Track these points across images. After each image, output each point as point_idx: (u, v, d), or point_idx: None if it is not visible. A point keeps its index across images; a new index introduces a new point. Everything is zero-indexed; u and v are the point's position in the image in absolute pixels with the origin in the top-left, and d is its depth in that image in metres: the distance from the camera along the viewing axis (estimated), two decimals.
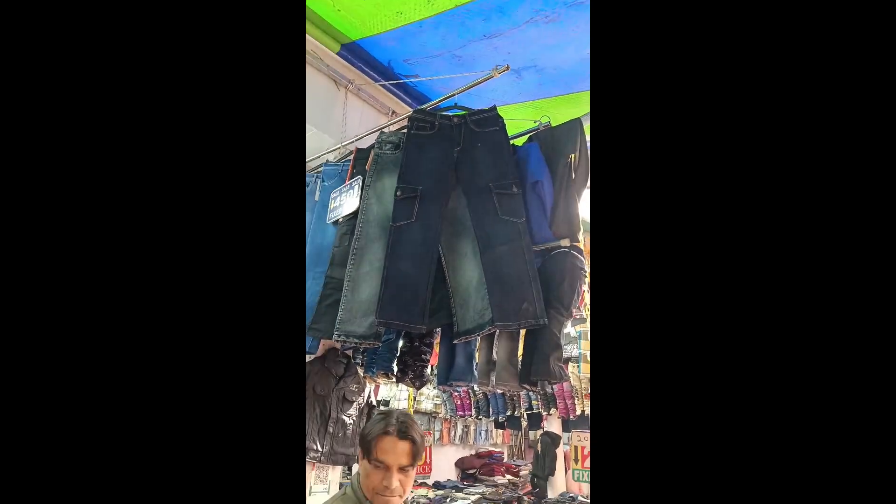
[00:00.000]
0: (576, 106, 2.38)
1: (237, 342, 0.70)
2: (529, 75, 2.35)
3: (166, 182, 0.69)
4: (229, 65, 0.74)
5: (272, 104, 0.76)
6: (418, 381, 2.10)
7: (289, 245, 0.77)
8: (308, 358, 2.10)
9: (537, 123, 1.90)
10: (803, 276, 0.63)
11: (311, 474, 2.15)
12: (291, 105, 0.79)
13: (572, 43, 2.12)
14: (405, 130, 1.84)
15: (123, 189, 0.68)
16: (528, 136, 1.91)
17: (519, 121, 2.07)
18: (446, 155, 1.76)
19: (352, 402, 2.17)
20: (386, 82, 2.34)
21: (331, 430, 2.09)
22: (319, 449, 2.07)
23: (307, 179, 2.12)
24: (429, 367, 2.14)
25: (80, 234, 0.66)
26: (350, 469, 4.40)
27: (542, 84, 2.40)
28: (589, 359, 3.71)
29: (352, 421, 2.17)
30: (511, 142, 1.80)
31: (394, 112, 2.48)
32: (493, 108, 1.82)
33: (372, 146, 1.91)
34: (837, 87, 0.64)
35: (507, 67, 1.79)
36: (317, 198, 2.03)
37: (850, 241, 0.62)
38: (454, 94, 1.89)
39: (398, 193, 1.72)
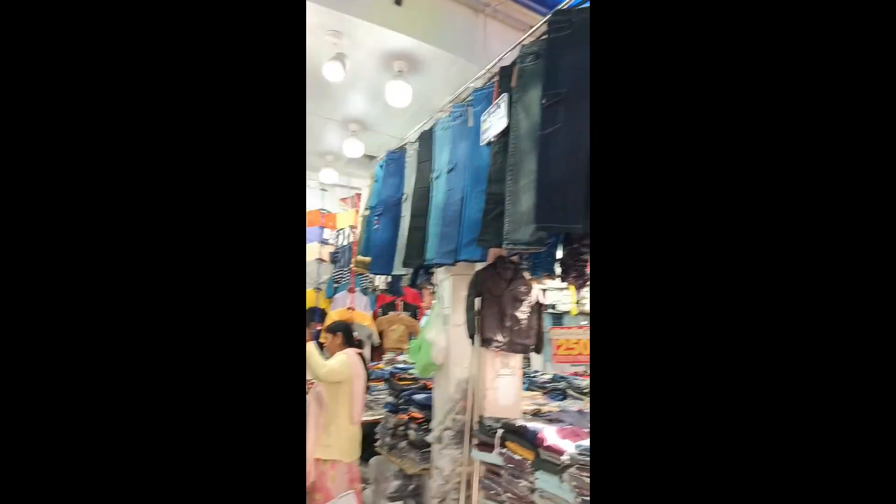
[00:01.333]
0: None
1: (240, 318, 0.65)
2: None
3: (171, 161, 0.64)
4: (231, 57, 0.67)
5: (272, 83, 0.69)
6: (580, 280, 1.95)
7: (289, 228, 0.71)
8: (480, 266, 2.09)
9: None
10: (790, 194, 0.59)
11: (497, 361, 2.19)
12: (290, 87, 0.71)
13: None
14: (545, 37, 1.57)
15: (128, 168, 0.63)
16: None
17: None
18: (587, 51, 1.46)
19: (522, 301, 2.11)
20: None
21: (507, 324, 2.08)
22: (501, 340, 2.08)
23: (460, 110, 2.00)
24: (588, 266, 1.95)
25: (88, 214, 0.61)
26: (528, 359, 4.47)
27: None
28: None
29: (525, 316, 2.13)
30: None
31: (531, 27, 2.16)
32: None
33: (514, 62, 1.69)
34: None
35: None
36: (470, 124, 1.91)
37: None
38: None
39: (543, 101, 1.51)
